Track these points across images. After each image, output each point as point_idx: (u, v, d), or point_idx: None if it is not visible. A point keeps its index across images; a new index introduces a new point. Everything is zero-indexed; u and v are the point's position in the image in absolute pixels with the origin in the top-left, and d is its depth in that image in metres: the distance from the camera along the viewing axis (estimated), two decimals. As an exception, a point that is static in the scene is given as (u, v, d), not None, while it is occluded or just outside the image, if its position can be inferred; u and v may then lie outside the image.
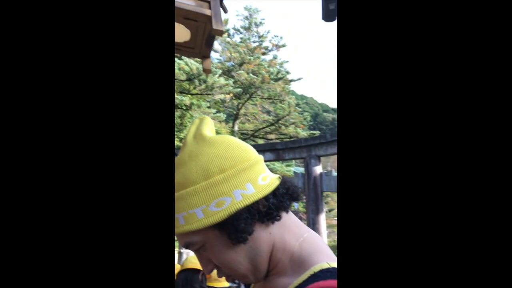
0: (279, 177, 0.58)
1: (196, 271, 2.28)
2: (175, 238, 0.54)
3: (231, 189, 0.52)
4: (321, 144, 6.90)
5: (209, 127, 0.60)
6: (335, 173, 6.88)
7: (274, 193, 0.54)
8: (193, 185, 0.52)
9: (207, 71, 1.70)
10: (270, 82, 12.54)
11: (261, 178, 0.55)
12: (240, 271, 0.54)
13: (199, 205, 0.51)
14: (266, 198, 0.53)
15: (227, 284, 3.04)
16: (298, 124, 13.45)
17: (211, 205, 0.51)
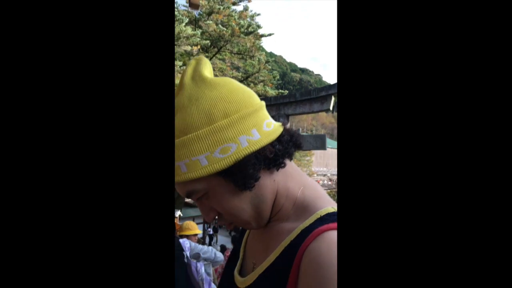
0: (282, 124, 0.56)
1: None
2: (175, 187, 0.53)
3: (237, 135, 0.50)
4: (290, 103, 6.83)
5: (207, 68, 0.55)
6: (303, 133, 6.93)
7: (279, 139, 0.53)
8: (195, 130, 0.49)
9: (194, 6, 1.45)
10: (240, 35, 11.94)
11: (265, 124, 0.52)
12: (244, 218, 0.53)
13: (203, 152, 0.49)
14: (272, 144, 0.52)
15: (199, 231, 3.11)
16: (267, 83, 13.20)
17: (216, 152, 0.49)
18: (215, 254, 2.43)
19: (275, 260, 0.51)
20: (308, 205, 0.54)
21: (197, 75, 0.53)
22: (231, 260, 0.68)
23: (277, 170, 0.53)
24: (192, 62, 0.55)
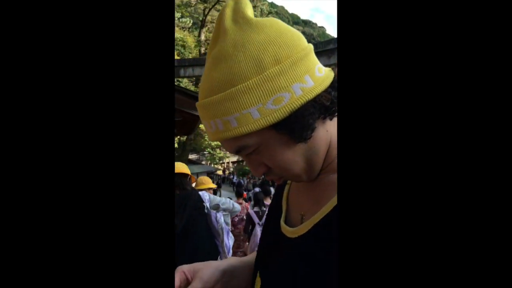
0: (332, 69, 0.52)
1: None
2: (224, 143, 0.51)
3: (290, 83, 0.45)
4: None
5: (249, 7, 0.50)
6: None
7: (333, 85, 0.49)
8: (244, 81, 0.45)
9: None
10: (241, -16, 11.21)
11: (317, 69, 0.49)
12: (295, 171, 0.50)
13: (254, 104, 0.45)
14: (326, 91, 0.48)
15: (213, 185, 3.23)
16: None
17: (268, 103, 0.45)
18: (233, 204, 2.49)
19: (330, 212, 0.49)
20: None
21: (239, 17, 0.47)
22: (273, 211, 0.66)
23: (331, 119, 0.50)
24: (230, 2, 0.49)
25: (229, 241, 2.35)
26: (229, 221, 2.78)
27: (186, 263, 0.61)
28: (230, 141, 0.48)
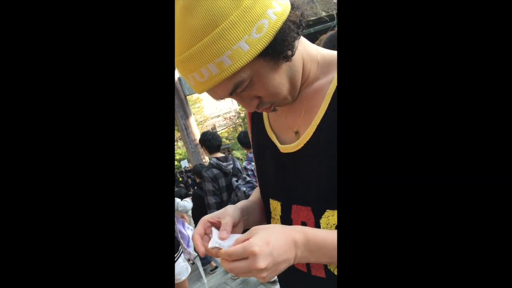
0: None
1: None
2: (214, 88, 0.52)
3: (264, 10, 0.49)
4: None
5: None
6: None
7: (293, 6, 0.53)
8: (226, 18, 0.47)
9: None
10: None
11: None
12: (283, 94, 0.56)
13: (242, 37, 0.47)
14: (293, 10, 0.52)
15: None
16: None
17: (253, 33, 0.48)
18: (177, 204, 2.54)
19: (327, 110, 0.56)
20: (330, 59, 0.59)
21: None
22: (261, 147, 0.72)
23: (298, 38, 0.54)
24: None
25: (185, 230, 2.47)
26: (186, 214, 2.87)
27: None
28: (225, 82, 0.50)
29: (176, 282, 2.25)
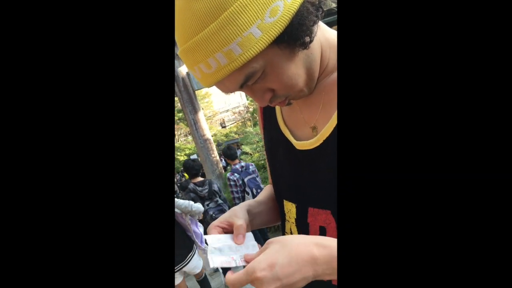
0: None
1: None
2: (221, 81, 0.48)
3: None
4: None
5: None
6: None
7: None
8: (235, 0, 0.41)
9: None
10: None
11: None
12: (299, 85, 0.50)
13: (253, 22, 0.42)
14: None
15: None
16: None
17: (266, 17, 0.42)
18: (191, 206, 2.59)
19: None
20: None
21: None
22: (273, 143, 0.66)
23: (317, 22, 0.48)
24: None
25: (198, 228, 2.66)
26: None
27: None
28: (236, 73, 0.45)
29: (193, 273, 2.65)
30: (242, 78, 0.46)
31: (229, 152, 3.42)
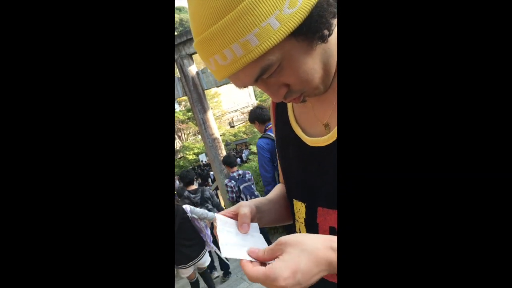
0: None
1: None
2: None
3: None
4: (190, 41, 6.41)
5: None
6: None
7: None
8: None
9: None
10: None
11: None
12: (315, 82, 0.49)
13: (272, 12, 0.41)
14: None
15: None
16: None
17: (285, 7, 0.41)
18: (207, 214, 3.01)
19: None
20: None
21: None
22: (284, 141, 0.65)
23: (335, 16, 0.46)
24: None
25: (207, 230, 2.98)
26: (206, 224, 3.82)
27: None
28: (251, 65, 0.44)
29: (202, 267, 3.17)
30: (257, 71, 0.45)
31: (228, 160, 3.68)
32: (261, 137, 2.68)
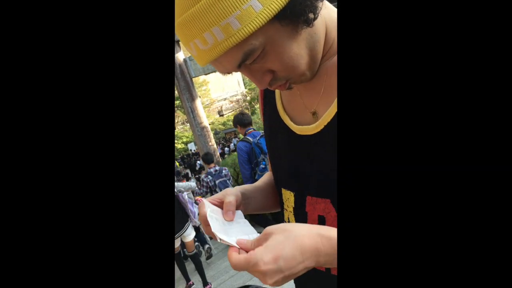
0: None
1: None
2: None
3: None
4: (177, 27, 6.25)
5: None
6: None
7: None
8: None
9: None
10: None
11: None
12: (301, 68, 0.48)
13: None
14: None
15: None
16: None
17: None
18: (190, 185, 3.53)
19: None
20: None
21: None
22: (272, 130, 0.64)
23: (322, 0, 0.45)
24: None
25: (193, 208, 3.38)
26: (192, 195, 4.08)
27: None
28: (234, 50, 0.42)
29: (186, 241, 3.37)
30: (240, 56, 0.43)
31: (205, 157, 4.15)
32: (241, 140, 3.06)
